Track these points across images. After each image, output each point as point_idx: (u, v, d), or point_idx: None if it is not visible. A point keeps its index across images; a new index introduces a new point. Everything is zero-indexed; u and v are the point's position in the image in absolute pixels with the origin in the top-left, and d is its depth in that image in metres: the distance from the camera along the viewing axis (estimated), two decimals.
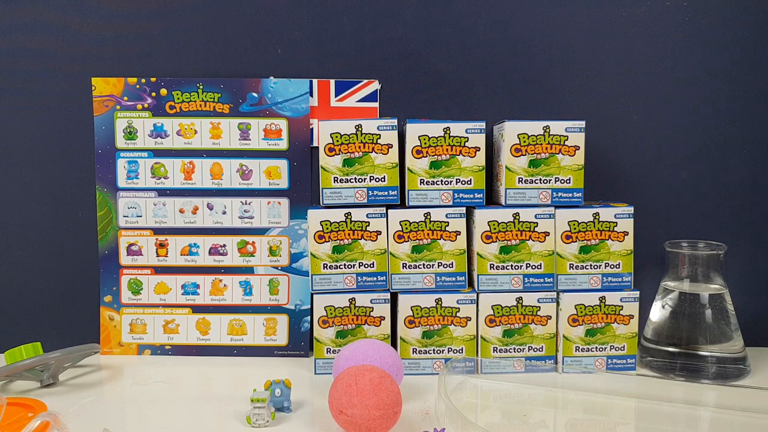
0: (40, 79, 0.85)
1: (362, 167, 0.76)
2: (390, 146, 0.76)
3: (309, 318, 0.85)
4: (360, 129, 0.76)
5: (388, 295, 0.77)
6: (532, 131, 0.75)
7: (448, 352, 0.77)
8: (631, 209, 0.76)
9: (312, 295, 0.77)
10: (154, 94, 0.84)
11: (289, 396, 0.66)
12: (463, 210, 0.76)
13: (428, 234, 0.76)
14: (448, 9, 0.84)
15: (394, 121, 0.76)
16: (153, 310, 0.85)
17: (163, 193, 0.85)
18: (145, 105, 0.85)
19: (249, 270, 0.85)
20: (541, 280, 0.76)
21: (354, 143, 0.76)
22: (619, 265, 0.76)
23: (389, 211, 0.76)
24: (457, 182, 0.76)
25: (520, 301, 0.76)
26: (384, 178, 0.76)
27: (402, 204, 0.78)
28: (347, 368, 0.61)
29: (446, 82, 0.85)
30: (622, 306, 0.76)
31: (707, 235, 0.84)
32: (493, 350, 0.77)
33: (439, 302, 0.76)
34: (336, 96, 0.85)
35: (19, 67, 0.85)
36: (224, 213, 0.85)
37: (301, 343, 0.85)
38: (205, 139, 0.85)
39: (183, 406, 0.68)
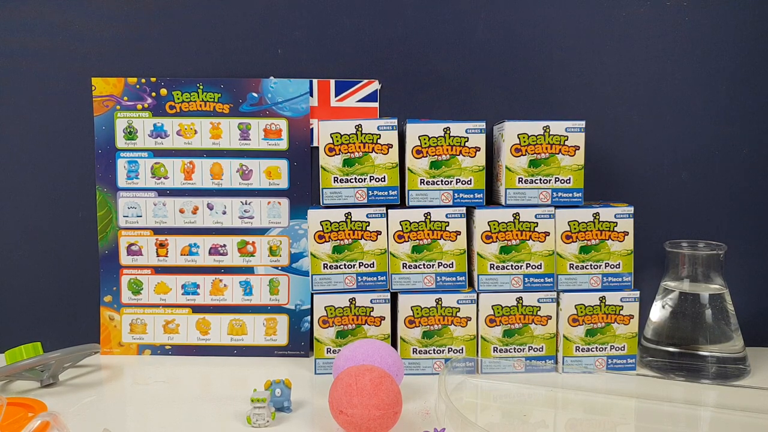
0: (40, 79, 0.85)
1: (362, 167, 0.76)
2: (390, 146, 0.76)
3: (309, 318, 0.85)
4: (360, 129, 0.76)
5: (388, 295, 0.77)
6: (532, 131, 0.75)
7: (448, 352, 0.77)
8: (631, 209, 0.76)
9: (312, 295, 0.77)
10: (154, 94, 0.84)
11: (289, 396, 0.66)
12: (463, 210, 0.76)
13: (428, 234, 0.76)
14: (448, 9, 0.84)
15: (394, 121, 0.76)
16: (153, 310, 0.85)
17: (163, 193, 0.85)
18: (145, 105, 0.85)
19: (249, 270, 0.85)
20: (541, 280, 0.76)
21: (354, 143, 0.76)
22: (619, 265, 0.76)
23: (389, 211, 0.76)
24: (457, 182, 0.76)
25: (520, 301, 0.76)
26: (384, 178, 0.76)
27: (402, 204, 0.78)
28: (347, 368, 0.61)
29: (446, 82, 0.85)
30: (622, 306, 0.76)
31: (707, 235, 0.84)
32: (493, 350, 0.77)
33: (439, 302, 0.76)
34: (336, 96, 0.85)
35: (19, 67, 0.85)
36: (224, 213, 0.85)
37: (301, 343, 0.85)
38: (205, 139, 0.85)
39: (183, 406, 0.68)
